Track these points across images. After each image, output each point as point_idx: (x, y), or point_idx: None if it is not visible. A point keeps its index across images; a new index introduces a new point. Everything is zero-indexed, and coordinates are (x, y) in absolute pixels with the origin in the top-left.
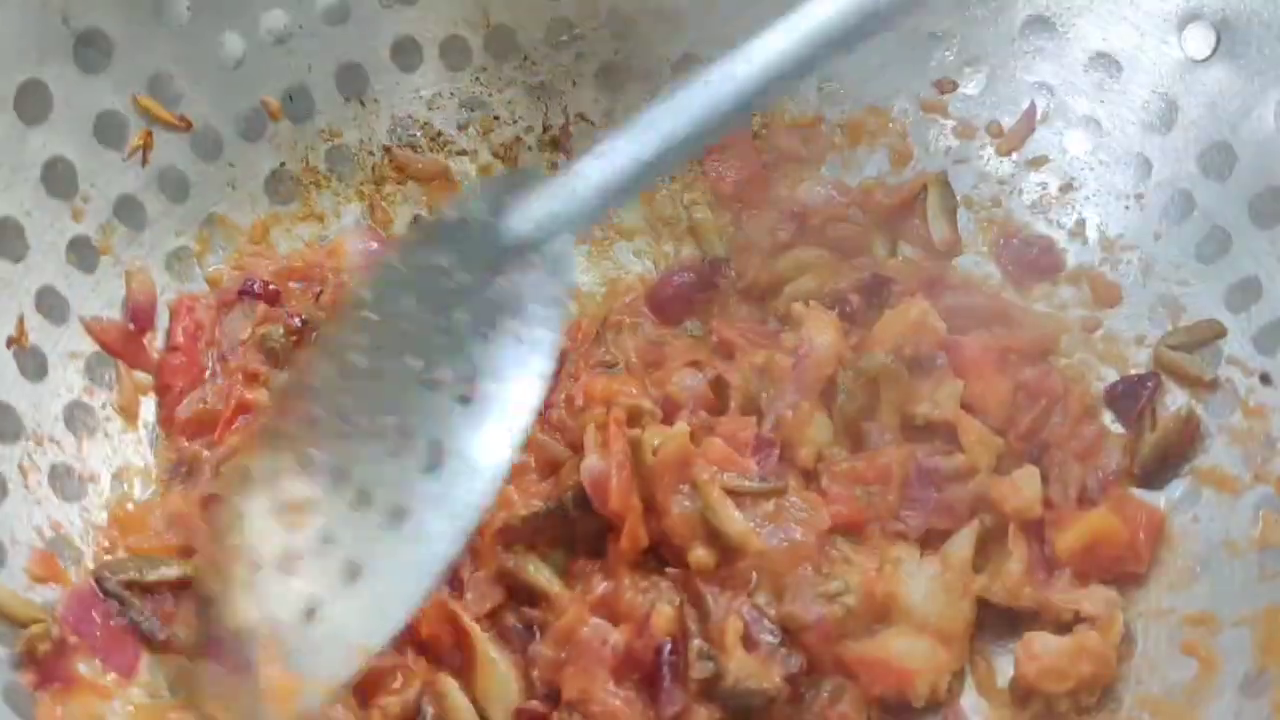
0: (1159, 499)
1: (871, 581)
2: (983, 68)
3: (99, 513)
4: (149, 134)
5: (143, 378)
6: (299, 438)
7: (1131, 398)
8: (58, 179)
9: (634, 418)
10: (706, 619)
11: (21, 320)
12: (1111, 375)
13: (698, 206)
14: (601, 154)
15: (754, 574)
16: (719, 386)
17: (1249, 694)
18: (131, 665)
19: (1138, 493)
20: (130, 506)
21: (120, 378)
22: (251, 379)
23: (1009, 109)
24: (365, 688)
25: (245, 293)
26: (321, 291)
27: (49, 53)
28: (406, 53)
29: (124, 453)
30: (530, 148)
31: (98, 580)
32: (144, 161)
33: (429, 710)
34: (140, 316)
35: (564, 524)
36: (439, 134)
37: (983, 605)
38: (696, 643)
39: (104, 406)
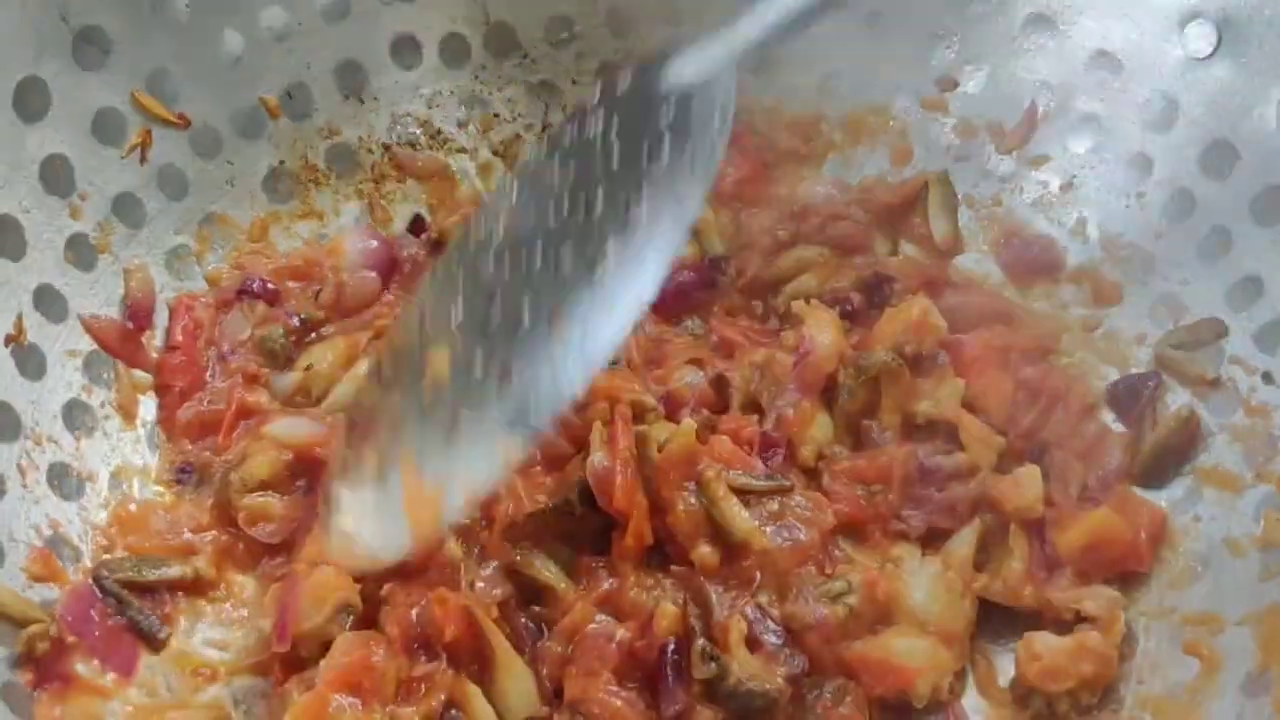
0: (1160, 498)
1: (873, 581)
2: (984, 66)
3: (97, 512)
4: (148, 132)
5: (141, 377)
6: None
7: (1133, 397)
8: (56, 177)
9: (638, 414)
10: (710, 617)
11: (20, 318)
12: (1113, 374)
13: None
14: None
15: (758, 573)
16: (720, 385)
17: (1251, 693)
18: (130, 665)
19: (1139, 492)
20: (132, 507)
21: (119, 376)
22: (251, 380)
23: (1010, 107)
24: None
25: (244, 292)
26: (321, 290)
27: (47, 50)
28: (406, 50)
29: (122, 452)
30: (530, 146)
31: (96, 579)
32: (143, 159)
33: (456, 716)
34: (139, 315)
35: (569, 521)
36: (438, 132)
37: (984, 605)
38: (700, 642)
39: (102, 405)
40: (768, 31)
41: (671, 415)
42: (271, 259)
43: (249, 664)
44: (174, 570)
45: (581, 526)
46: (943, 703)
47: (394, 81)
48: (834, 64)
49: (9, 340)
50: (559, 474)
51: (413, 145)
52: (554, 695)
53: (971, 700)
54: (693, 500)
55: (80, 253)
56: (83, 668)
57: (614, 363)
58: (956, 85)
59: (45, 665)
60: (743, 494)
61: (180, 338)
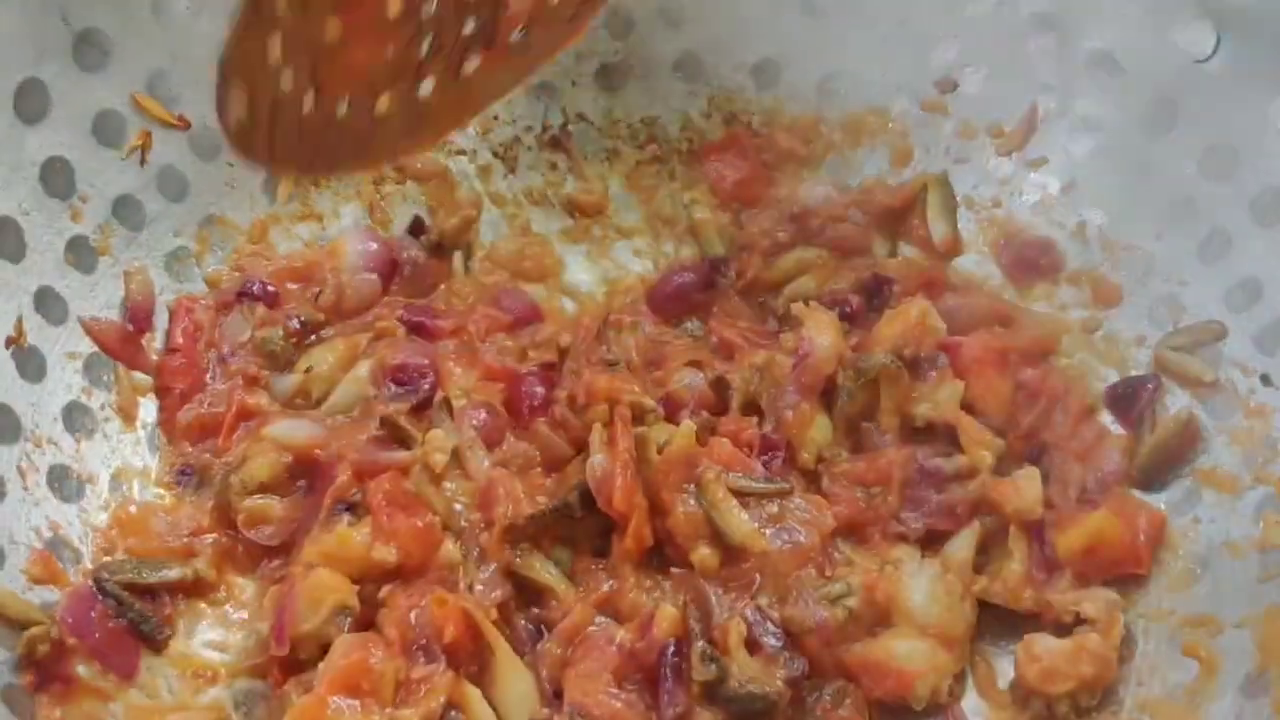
0: (1159, 500)
1: (873, 583)
2: (983, 67)
3: (97, 514)
4: (148, 133)
5: (141, 379)
6: None
7: (1132, 399)
8: (56, 179)
9: (638, 415)
10: (710, 620)
11: (20, 321)
12: (1112, 376)
13: (698, 206)
14: None
15: (758, 575)
16: (719, 386)
17: (1249, 695)
18: (131, 667)
19: (1138, 494)
20: (133, 509)
21: (119, 379)
22: (251, 382)
23: (1010, 109)
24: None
25: (244, 294)
26: (320, 292)
27: (48, 51)
28: None
29: (122, 454)
30: (530, 147)
31: (96, 581)
32: (143, 161)
33: (456, 718)
34: (139, 317)
35: (569, 523)
36: None
37: (983, 607)
38: (700, 645)
39: (103, 407)
40: None
41: (671, 417)
42: (271, 261)
43: (249, 666)
44: (174, 572)
45: (581, 528)
46: (942, 705)
47: None
48: (834, 65)
49: (9, 342)
50: (558, 476)
51: None
52: (554, 697)
53: (971, 702)
54: (692, 502)
55: (80, 255)
56: (83, 670)
57: (614, 363)
58: (956, 87)
59: (46, 667)
60: (742, 496)
61: (180, 340)
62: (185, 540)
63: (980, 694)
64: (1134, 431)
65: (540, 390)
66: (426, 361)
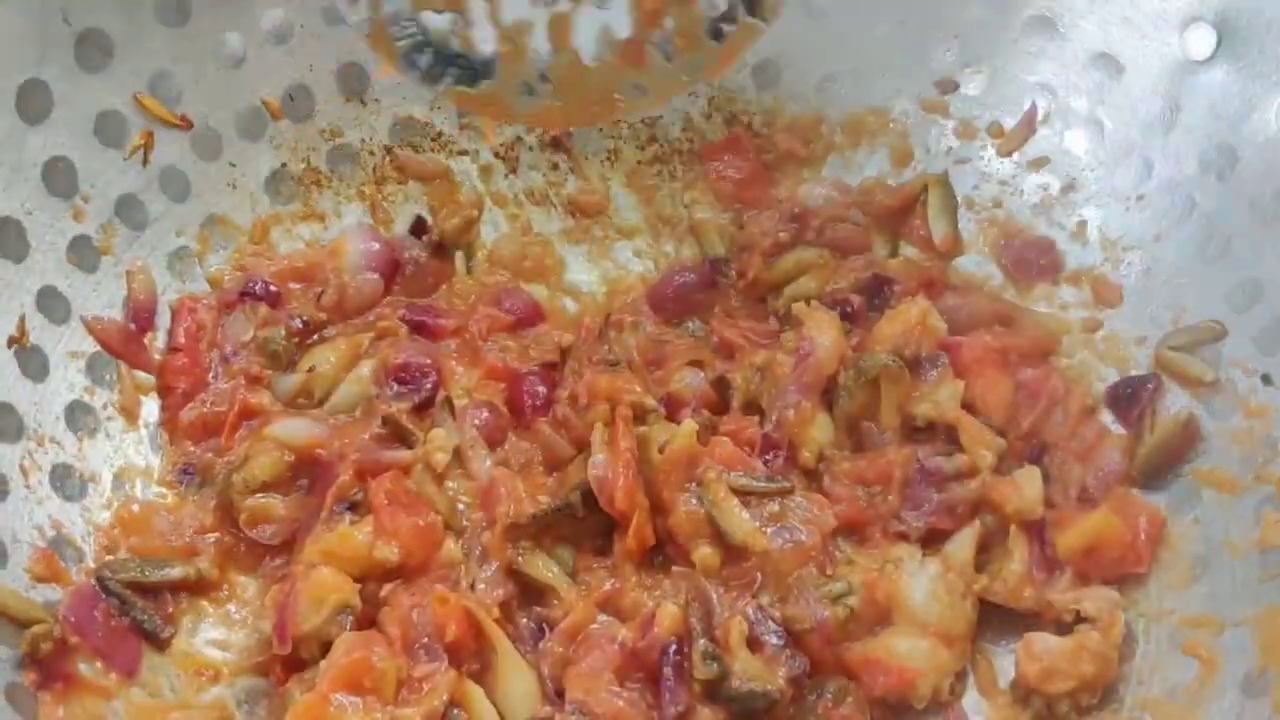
0: (1160, 500)
1: (874, 582)
2: (984, 68)
3: (100, 512)
4: (150, 133)
5: (144, 378)
6: None
7: (1132, 399)
8: (58, 178)
9: (639, 415)
10: (711, 618)
11: (23, 320)
12: (1112, 376)
13: (698, 206)
14: None
15: (759, 574)
16: (721, 386)
17: (1250, 694)
18: (133, 665)
19: (1138, 493)
20: (135, 508)
21: (121, 378)
22: (253, 382)
23: (1010, 109)
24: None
25: (246, 294)
26: (323, 292)
27: (50, 52)
28: None
29: (125, 453)
30: (531, 148)
31: (99, 580)
32: (145, 161)
33: (458, 716)
34: (141, 317)
35: (571, 522)
36: (440, 134)
37: (984, 605)
38: (701, 643)
39: (105, 406)
40: None
41: (672, 416)
42: (273, 261)
43: (251, 664)
44: (177, 571)
45: (583, 527)
46: (943, 703)
47: (396, 84)
48: (834, 65)
49: (12, 342)
50: (560, 475)
51: (414, 147)
52: (555, 695)
53: (972, 701)
54: (694, 501)
55: (83, 254)
56: (86, 668)
57: (615, 363)
58: (957, 87)
59: (48, 666)
60: (743, 495)
61: (183, 339)
62: (187, 539)
63: (981, 693)
64: (1134, 431)
65: (542, 390)
66: (428, 361)
